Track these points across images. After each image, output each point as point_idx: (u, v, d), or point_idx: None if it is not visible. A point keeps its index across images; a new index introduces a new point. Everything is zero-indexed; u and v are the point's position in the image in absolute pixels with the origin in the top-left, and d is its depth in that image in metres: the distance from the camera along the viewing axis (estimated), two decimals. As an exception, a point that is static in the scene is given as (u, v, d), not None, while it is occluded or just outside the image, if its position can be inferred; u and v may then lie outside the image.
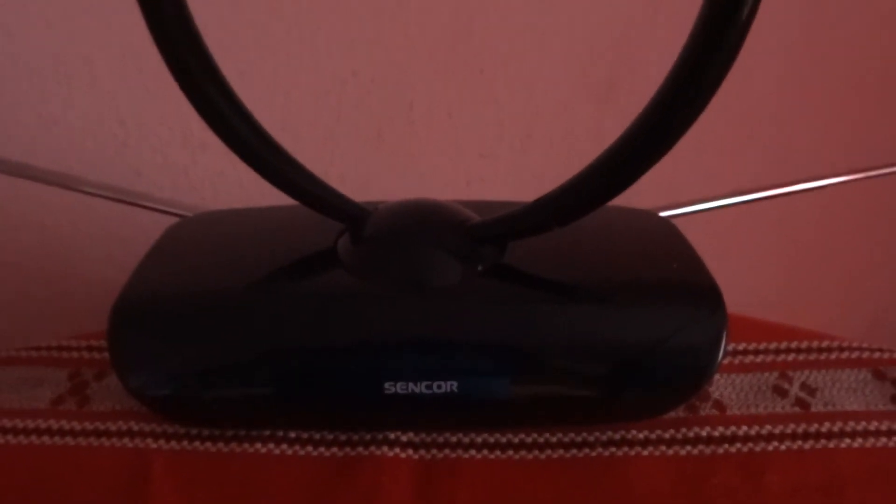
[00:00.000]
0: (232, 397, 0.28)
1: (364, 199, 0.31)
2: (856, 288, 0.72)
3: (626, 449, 0.29)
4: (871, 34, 0.56)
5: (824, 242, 0.68)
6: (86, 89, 0.45)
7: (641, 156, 0.23)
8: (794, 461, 0.28)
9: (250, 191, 0.50)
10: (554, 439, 0.29)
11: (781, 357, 0.33)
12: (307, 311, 0.27)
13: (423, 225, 0.30)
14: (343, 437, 0.29)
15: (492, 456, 0.28)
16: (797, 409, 0.30)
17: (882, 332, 0.75)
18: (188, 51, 0.23)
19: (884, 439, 0.29)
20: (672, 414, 0.30)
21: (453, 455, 0.29)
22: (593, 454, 0.28)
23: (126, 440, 0.29)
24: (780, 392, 0.31)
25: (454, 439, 0.29)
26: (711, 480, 0.27)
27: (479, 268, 0.29)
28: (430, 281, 0.28)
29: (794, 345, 0.33)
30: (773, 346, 0.33)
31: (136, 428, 0.29)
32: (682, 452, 0.28)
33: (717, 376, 0.32)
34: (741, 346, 0.33)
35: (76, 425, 0.29)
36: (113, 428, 0.29)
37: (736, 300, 0.29)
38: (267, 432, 0.29)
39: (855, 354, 0.33)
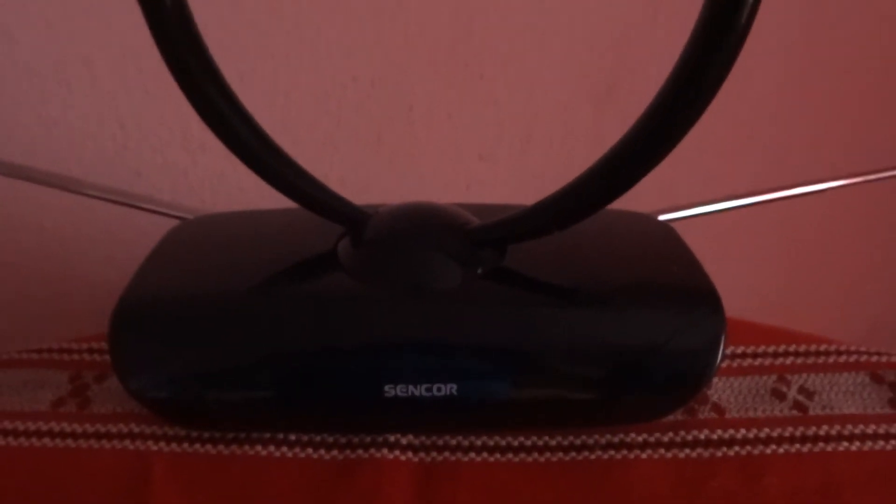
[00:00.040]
0: (233, 400, 0.28)
1: (364, 201, 0.31)
2: (855, 291, 0.72)
3: (625, 452, 0.29)
4: (871, 34, 0.56)
5: (823, 246, 0.68)
6: (86, 90, 0.45)
7: (641, 159, 0.23)
8: (793, 464, 0.28)
9: (250, 193, 0.50)
10: (553, 442, 0.29)
11: (780, 360, 0.33)
12: (308, 314, 0.27)
13: (423, 228, 0.30)
14: (343, 440, 0.29)
15: (491, 459, 0.29)
16: (795, 412, 0.30)
17: (882, 336, 0.75)
18: (188, 51, 0.23)
19: (881, 442, 0.29)
20: (671, 417, 0.30)
21: (453, 458, 0.29)
22: (592, 457, 0.29)
23: (127, 442, 0.29)
24: (779, 395, 0.31)
25: (454, 442, 0.29)
26: (710, 483, 0.28)
27: (479, 271, 0.29)
28: (430, 284, 0.28)
29: (792, 348, 0.33)
30: (771, 349, 0.33)
31: (136, 430, 0.29)
32: (681, 455, 0.29)
33: (715, 379, 0.32)
34: (739, 350, 0.33)
35: (77, 427, 0.29)
36: (114, 430, 0.29)
37: (735, 303, 0.29)
38: (267, 435, 0.29)
39: (853, 358, 0.33)
